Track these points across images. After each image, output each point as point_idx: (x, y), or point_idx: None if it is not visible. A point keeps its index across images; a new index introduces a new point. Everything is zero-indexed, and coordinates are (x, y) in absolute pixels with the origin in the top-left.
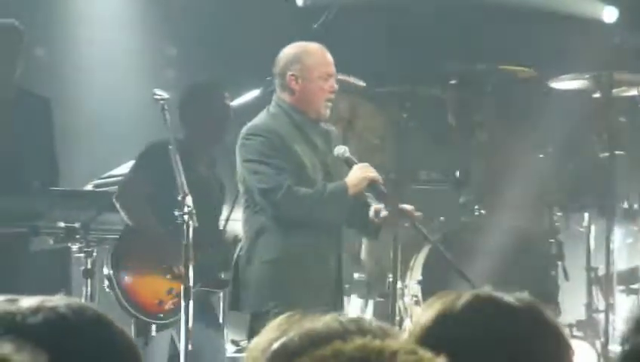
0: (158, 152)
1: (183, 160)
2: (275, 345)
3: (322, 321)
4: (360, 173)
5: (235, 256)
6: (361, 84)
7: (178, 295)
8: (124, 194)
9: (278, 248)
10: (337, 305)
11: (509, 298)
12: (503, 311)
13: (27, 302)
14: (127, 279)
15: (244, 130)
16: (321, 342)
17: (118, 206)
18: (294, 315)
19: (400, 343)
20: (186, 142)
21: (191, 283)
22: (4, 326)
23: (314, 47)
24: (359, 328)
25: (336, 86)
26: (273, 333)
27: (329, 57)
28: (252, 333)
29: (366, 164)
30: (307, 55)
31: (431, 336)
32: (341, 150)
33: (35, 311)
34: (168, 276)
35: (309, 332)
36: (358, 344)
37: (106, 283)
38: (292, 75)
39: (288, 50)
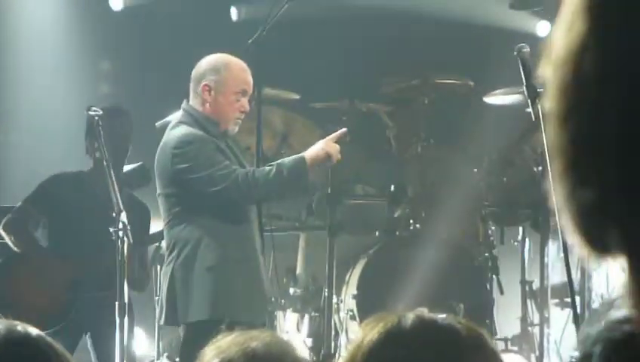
0: (54, 184)
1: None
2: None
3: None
4: (321, 147)
5: (168, 268)
6: (295, 97)
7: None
8: (9, 223)
9: (219, 255)
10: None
11: (450, 320)
12: (447, 334)
13: None
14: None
15: (170, 143)
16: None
17: (3, 234)
18: (234, 333)
19: None
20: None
21: (125, 300)
22: None
23: (235, 62)
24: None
25: (247, 107)
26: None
27: (248, 76)
28: (186, 344)
29: (329, 138)
30: (226, 68)
31: (375, 358)
32: None
33: None
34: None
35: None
36: None
37: None
38: (206, 84)
39: (209, 60)
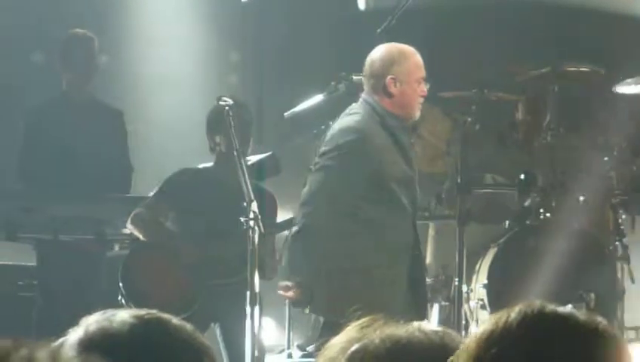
0: (181, 180)
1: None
2: (355, 346)
3: (405, 328)
4: None
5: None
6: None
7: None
8: (138, 217)
9: (370, 255)
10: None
11: (569, 313)
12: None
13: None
14: (139, 289)
15: (337, 126)
16: (402, 349)
17: (131, 227)
18: (377, 318)
19: None
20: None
21: (257, 289)
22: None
23: (409, 50)
24: (442, 341)
25: (426, 89)
26: (353, 334)
27: (421, 60)
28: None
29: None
30: (405, 58)
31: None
32: None
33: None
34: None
35: (391, 337)
36: None
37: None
38: (392, 78)
39: (385, 53)
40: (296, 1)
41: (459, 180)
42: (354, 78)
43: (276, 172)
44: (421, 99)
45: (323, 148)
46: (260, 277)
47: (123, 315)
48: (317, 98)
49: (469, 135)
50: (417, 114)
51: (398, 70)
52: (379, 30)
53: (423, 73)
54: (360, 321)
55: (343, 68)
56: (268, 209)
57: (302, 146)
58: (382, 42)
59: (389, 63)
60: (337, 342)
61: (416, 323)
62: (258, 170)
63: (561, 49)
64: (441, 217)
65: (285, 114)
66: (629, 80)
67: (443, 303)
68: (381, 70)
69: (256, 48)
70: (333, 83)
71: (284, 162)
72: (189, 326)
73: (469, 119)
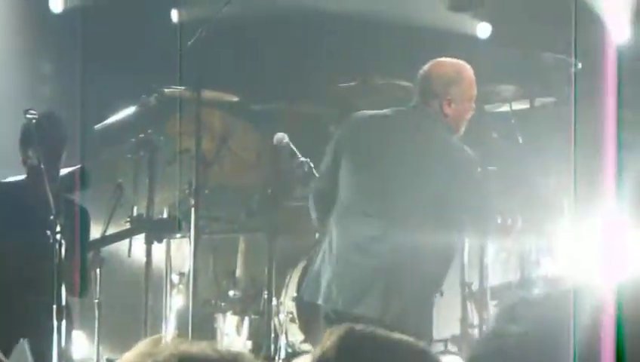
0: None
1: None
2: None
3: (199, 345)
4: None
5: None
6: (234, 99)
7: None
8: None
9: None
10: None
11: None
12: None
13: None
14: None
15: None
16: None
17: None
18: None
19: None
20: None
21: (63, 303)
22: None
23: (466, 69)
24: (235, 360)
25: (474, 105)
26: (147, 348)
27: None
28: None
29: None
30: (463, 78)
31: None
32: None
33: None
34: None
35: (182, 353)
36: None
37: None
38: (449, 98)
39: (444, 71)
40: (112, 13)
41: (269, 192)
42: (165, 90)
43: (85, 186)
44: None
45: None
46: (68, 292)
47: None
48: (128, 110)
49: (279, 148)
50: (462, 130)
51: (455, 91)
52: (189, 42)
53: (475, 91)
54: (154, 338)
55: (155, 80)
56: (82, 223)
57: (112, 160)
58: (193, 53)
59: (448, 83)
60: (130, 355)
61: (213, 343)
62: (67, 183)
63: (370, 63)
64: (251, 230)
65: (96, 127)
66: None
67: (253, 316)
68: (441, 89)
69: (71, 60)
70: (144, 96)
71: (94, 176)
72: None
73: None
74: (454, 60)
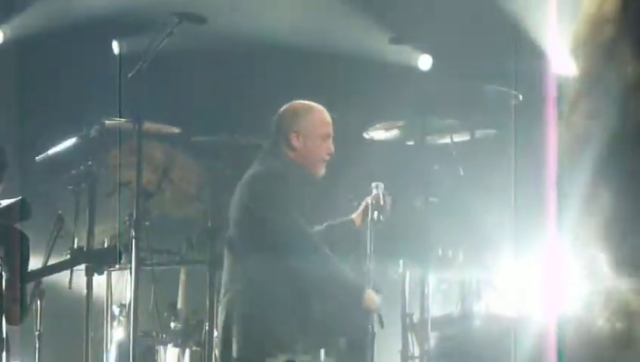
0: None
1: None
2: None
3: None
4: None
5: None
6: (176, 131)
7: None
8: None
9: None
10: None
11: None
12: None
13: None
14: None
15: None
16: None
17: None
18: None
19: None
20: None
21: (3, 334)
22: None
23: (319, 109)
24: None
25: (332, 148)
26: None
27: (329, 117)
28: None
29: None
30: (310, 113)
31: None
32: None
33: None
34: None
35: None
36: None
37: None
38: (295, 131)
39: (293, 107)
40: (52, 44)
41: (209, 224)
42: (106, 122)
43: (27, 216)
44: (326, 156)
45: None
46: (7, 322)
47: None
48: (69, 142)
49: (221, 180)
50: (320, 171)
51: (302, 125)
52: (130, 75)
53: (328, 130)
54: None
55: (96, 112)
56: (21, 247)
57: (53, 191)
58: (134, 85)
59: (293, 118)
60: None
61: None
62: (8, 214)
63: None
64: (191, 262)
65: (37, 158)
66: (378, 125)
67: (194, 348)
68: (286, 124)
69: (10, 92)
70: (85, 127)
71: (34, 207)
72: None
73: (221, 164)
74: (310, 102)
